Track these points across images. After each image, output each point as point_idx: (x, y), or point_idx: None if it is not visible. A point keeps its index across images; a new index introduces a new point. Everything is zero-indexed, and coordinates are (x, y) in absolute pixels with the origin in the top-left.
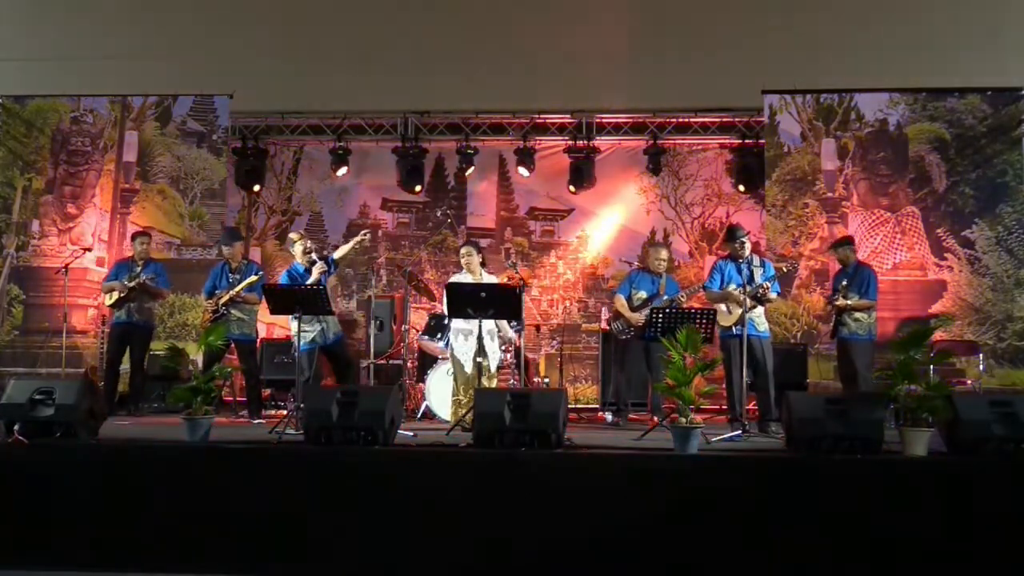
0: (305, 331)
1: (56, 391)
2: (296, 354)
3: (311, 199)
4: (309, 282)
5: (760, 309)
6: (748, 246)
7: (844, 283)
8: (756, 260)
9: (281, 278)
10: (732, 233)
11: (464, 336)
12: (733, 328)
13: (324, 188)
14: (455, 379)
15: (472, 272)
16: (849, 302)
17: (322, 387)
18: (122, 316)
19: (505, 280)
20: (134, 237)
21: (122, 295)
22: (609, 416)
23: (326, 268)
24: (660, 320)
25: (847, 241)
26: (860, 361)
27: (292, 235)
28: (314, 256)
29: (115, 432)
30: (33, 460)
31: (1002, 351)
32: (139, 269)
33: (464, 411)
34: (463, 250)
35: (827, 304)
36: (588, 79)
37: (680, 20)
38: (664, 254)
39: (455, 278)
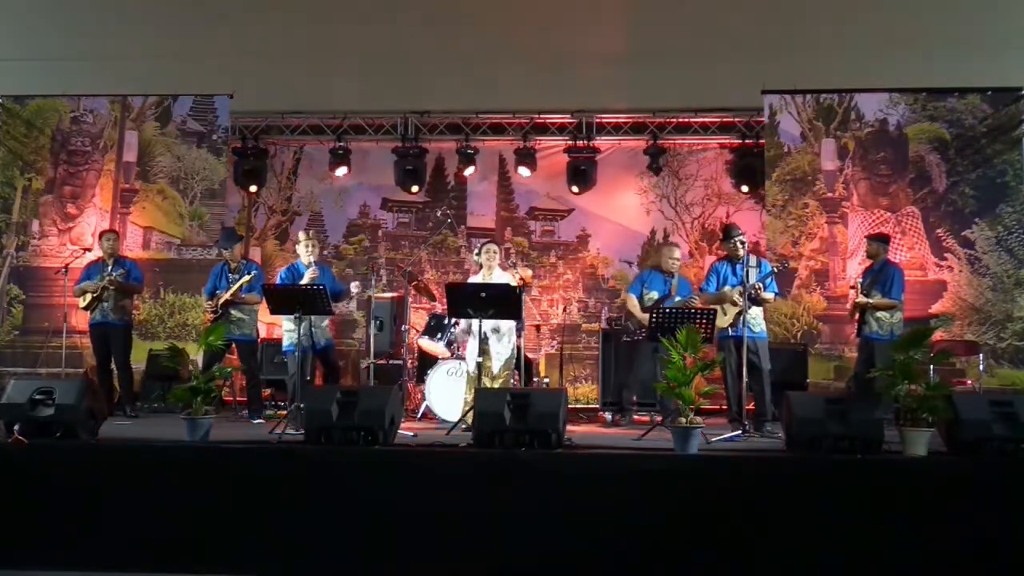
0: (290, 331)
1: (56, 391)
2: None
3: (311, 199)
4: (303, 283)
5: (757, 310)
6: (744, 246)
7: (865, 281)
8: (752, 260)
9: (281, 275)
10: (728, 232)
11: (474, 336)
12: (728, 329)
13: (324, 188)
14: (466, 380)
15: (489, 270)
16: (870, 300)
17: (322, 387)
18: (97, 317)
19: (518, 278)
20: (100, 236)
21: (94, 295)
22: (609, 416)
23: (317, 274)
24: (660, 319)
25: (881, 237)
26: (880, 361)
27: (301, 234)
28: (312, 259)
29: (115, 432)
30: (33, 460)
31: (1002, 351)
32: (109, 268)
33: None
34: (492, 247)
35: (852, 303)
36: (588, 79)
37: (680, 20)
38: (677, 253)
39: (473, 279)
